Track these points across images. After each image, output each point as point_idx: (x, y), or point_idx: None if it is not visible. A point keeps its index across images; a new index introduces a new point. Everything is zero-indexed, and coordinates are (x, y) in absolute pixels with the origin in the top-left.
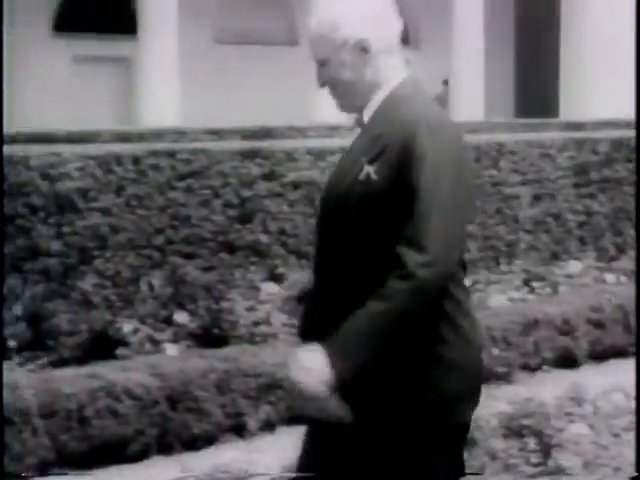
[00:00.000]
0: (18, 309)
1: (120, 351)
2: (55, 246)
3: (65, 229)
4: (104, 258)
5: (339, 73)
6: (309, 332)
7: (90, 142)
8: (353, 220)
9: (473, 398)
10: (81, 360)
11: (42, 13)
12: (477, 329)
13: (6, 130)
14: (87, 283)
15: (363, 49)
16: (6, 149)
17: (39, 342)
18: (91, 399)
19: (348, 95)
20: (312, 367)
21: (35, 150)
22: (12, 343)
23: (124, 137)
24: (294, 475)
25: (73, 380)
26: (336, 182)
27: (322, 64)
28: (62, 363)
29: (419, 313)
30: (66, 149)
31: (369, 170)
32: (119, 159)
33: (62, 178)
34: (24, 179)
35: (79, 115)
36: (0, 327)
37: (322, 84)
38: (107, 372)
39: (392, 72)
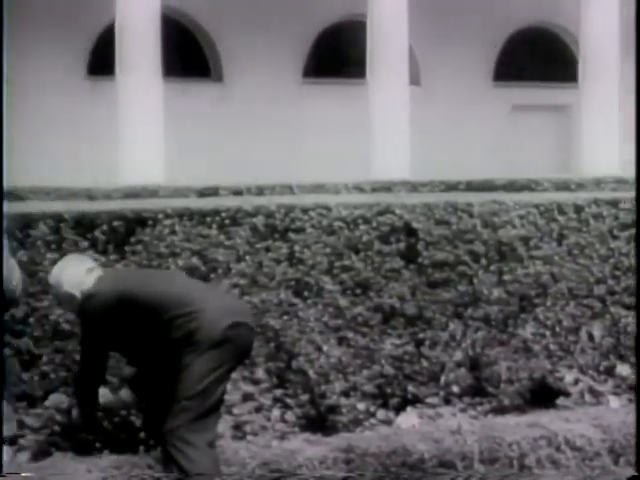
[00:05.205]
0: (459, 355)
1: (561, 401)
2: (496, 293)
3: (506, 277)
4: (544, 306)
5: None
6: None
7: (530, 190)
8: None
9: None
10: (520, 408)
11: (484, 65)
12: None
13: (451, 178)
14: (527, 331)
15: None
16: (449, 196)
17: (480, 388)
18: (532, 448)
19: None
20: None
21: (478, 198)
22: (455, 388)
23: (564, 185)
24: None
25: (515, 428)
26: None
27: None
28: (502, 410)
29: None
30: (508, 197)
31: None
32: (561, 207)
33: (504, 226)
34: (467, 226)
35: (519, 163)
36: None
37: None
38: (549, 422)
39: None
